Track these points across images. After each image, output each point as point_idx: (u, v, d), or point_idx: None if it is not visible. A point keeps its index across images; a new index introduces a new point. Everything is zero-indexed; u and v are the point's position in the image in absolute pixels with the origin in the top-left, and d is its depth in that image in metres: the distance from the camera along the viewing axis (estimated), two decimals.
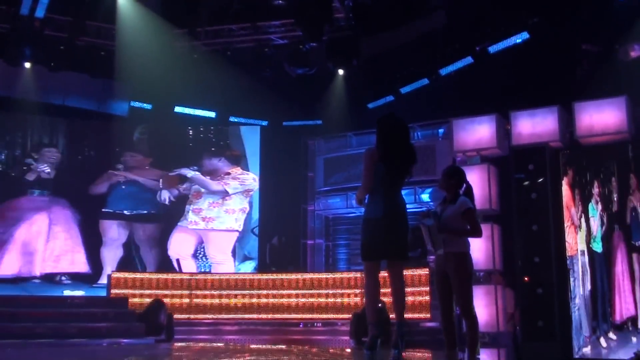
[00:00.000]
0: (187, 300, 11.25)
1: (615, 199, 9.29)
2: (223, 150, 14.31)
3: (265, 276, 11.52)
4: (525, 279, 9.55)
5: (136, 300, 10.77)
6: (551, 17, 10.68)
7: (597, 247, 9.35)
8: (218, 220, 13.83)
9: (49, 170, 13.46)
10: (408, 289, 10.15)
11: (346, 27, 11.92)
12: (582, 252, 9.44)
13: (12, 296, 11.12)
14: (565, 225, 9.53)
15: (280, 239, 13.37)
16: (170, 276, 11.54)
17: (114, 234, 13.54)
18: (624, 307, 9.06)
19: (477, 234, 5.66)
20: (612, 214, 9.29)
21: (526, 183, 9.77)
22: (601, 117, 9.60)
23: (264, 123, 14.55)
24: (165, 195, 13.86)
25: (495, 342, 9.92)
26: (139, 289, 11.04)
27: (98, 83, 13.21)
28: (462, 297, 5.53)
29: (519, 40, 11.27)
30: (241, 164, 14.21)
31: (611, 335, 9.07)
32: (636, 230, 9.13)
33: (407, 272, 10.25)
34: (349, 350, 6.23)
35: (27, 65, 12.31)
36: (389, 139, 5.35)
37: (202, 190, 13.96)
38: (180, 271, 12.50)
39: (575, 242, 9.48)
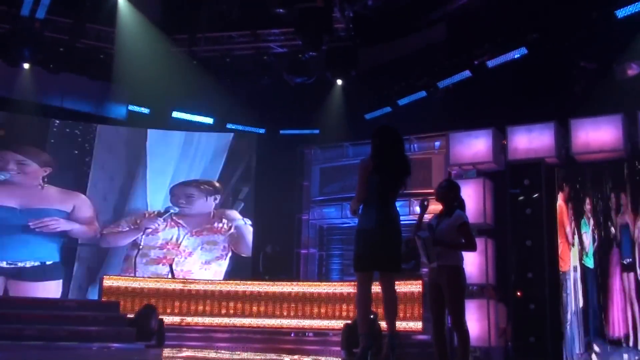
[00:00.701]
0: (178, 306, 11.20)
1: (613, 216, 9.31)
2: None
3: (257, 284, 11.48)
4: (518, 294, 9.55)
5: (127, 304, 10.71)
6: (550, 33, 10.73)
7: (589, 262, 9.36)
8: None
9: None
10: (400, 301, 10.14)
11: (346, 38, 11.97)
12: (575, 268, 9.45)
13: (1, 297, 11.07)
14: (559, 242, 9.55)
15: (273, 247, 13.33)
16: (162, 282, 11.49)
17: None
18: (619, 323, 9.06)
19: (472, 247, 5.68)
20: (608, 232, 9.31)
21: (521, 198, 9.80)
22: (597, 134, 9.64)
23: (261, 131, 14.55)
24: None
25: (487, 356, 9.90)
26: (130, 293, 10.98)
27: (96, 86, 13.20)
28: (454, 311, 5.54)
29: (517, 56, 11.31)
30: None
31: (599, 349, 9.07)
32: (626, 248, 9.15)
33: (399, 284, 10.22)
34: None
35: (26, 66, 12.32)
36: (384, 150, 5.37)
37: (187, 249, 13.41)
38: (173, 277, 12.44)
39: (568, 258, 9.49)
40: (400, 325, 10.18)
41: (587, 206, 9.50)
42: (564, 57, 10.75)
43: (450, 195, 5.76)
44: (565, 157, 9.97)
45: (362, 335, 5.27)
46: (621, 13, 9.94)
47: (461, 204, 5.77)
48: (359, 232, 5.34)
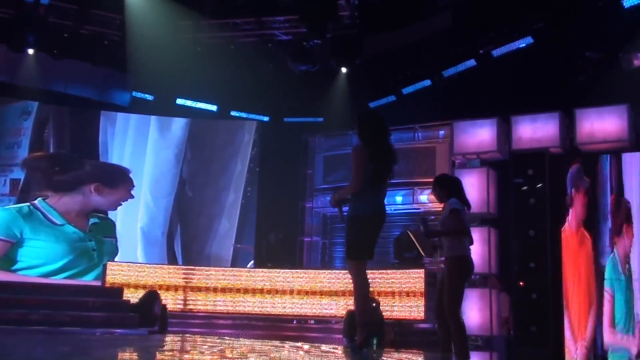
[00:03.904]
0: (181, 292, 11.25)
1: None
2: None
3: (260, 271, 11.51)
4: (521, 283, 9.57)
5: (131, 291, 10.75)
6: (556, 22, 10.69)
7: None
8: None
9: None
10: (404, 290, 10.19)
11: (351, 25, 11.91)
12: None
13: (7, 282, 11.11)
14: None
15: (277, 235, 13.35)
16: (165, 268, 11.54)
17: None
18: None
19: (459, 234, 5.72)
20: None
21: (525, 188, 9.78)
22: (602, 124, 9.62)
23: (265, 118, 14.54)
24: None
25: (489, 345, 9.93)
26: (134, 280, 11.03)
27: (101, 72, 13.19)
28: (448, 300, 5.59)
29: (522, 45, 11.27)
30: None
31: None
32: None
33: (403, 273, 10.25)
34: (341, 348, 6.26)
35: (31, 51, 12.29)
36: (378, 137, 5.31)
37: None
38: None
39: None
40: (403, 313, 10.23)
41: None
42: (569, 47, 10.71)
43: (439, 193, 5.98)
44: (570, 147, 9.95)
45: (363, 324, 5.24)
46: (628, 2, 9.90)
47: (455, 192, 5.85)
48: (360, 220, 5.20)
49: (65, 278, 12.05)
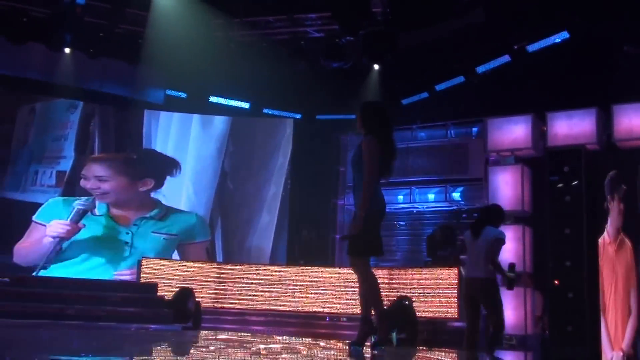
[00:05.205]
0: (214, 289, 11.33)
1: None
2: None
3: (293, 269, 11.54)
4: (556, 282, 9.43)
5: (165, 287, 10.87)
6: (592, 17, 10.49)
7: None
8: None
9: None
10: (437, 288, 10.12)
11: (383, 22, 11.85)
12: None
13: (44, 277, 11.32)
14: None
15: (309, 232, 13.36)
16: (198, 265, 11.64)
17: None
18: None
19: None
20: None
21: (560, 185, 9.63)
22: None
23: (298, 116, 14.56)
24: None
25: (523, 344, 9.82)
26: (168, 276, 11.15)
27: (135, 70, 13.35)
28: None
29: (558, 40, 11.10)
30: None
31: None
32: None
33: (436, 272, 10.19)
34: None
35: (67, 50, 12.51)
36: (386, 129, 5.15)
37: None
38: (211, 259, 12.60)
39: None
40: (436, 312, 10.16)
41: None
42: (606, 41, 10.51)
43: None
44: (607, 143, 9.77)
45: (383, 321, 5.19)
46: None
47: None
48: (373, 216, 5.03)
49: (86, 269, 12.19)
